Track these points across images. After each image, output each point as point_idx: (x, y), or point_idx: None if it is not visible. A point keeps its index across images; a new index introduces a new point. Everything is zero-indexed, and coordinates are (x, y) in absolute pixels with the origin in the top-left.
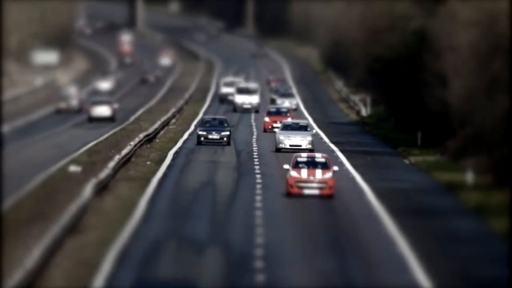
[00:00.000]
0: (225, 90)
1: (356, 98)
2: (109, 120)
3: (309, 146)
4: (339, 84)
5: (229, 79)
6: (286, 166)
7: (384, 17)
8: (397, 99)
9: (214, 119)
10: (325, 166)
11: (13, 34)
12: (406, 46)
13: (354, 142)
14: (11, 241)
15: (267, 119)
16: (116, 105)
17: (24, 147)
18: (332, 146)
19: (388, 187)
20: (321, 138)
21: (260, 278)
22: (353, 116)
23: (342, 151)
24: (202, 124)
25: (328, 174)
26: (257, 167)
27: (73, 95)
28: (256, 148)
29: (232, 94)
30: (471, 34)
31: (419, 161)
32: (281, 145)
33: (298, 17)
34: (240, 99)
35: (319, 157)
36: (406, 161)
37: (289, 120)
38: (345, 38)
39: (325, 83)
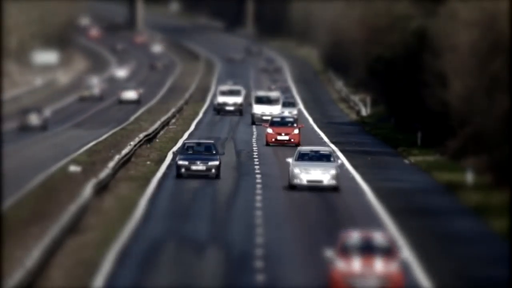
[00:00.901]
0: (222, 99)
1: (356, 98)
2: (136, 103)
3: (333, 182)
4: (339, 84)
5: (226, 87)
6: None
7: (384, 17)
8: (397, 99)
9: (199, 144)
10: (387, 252)
11: (13, 34)
12: (406, 46)
13: (354, 142)
14: (11, 241)
15: (270, 130)
16: (141, 90)
17: (24, 147)
18: (332, 146)
19: (388, 187)
20: (321, 138)
21: (260, 278)
22: (353, 116)
23: (342, 151)
24: (183, 150)
25: (393, 265)
26: (257, 167)
27: (95, 84)
28: (256, 148)
29: (228, 104)
30: (471, 34)
31: (419, 161)
32: (297, 181)
33: (298, 17)
34: (259, 109)
35: (378, 239)
36: (406, 161)
37: (307, 148)
38: (345, 38)
39: (325, 83)
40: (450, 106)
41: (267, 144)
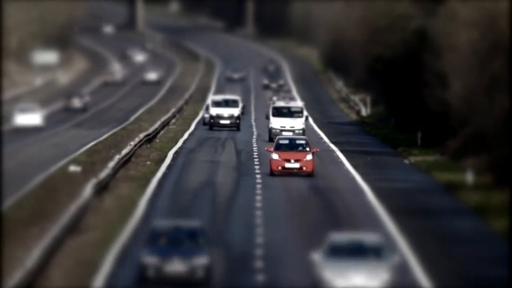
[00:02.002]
0: (215, 111)
1: (356, 98)
2: (157, 83)
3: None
4: (339, 84)
5: (220, 96)
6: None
7: (384, 17)
8: (397, 99)
9: (177, 229)
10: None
11: (13, 34)
12: (406, 46)
13: (354, 142)
14: (11, 241)
15: (275, 156)
16: (161, 72)
17: (24, 147)
18: (332, 146)
19: (388, 187)
20: (321, 138)
21: (260, 278)
22: (353, 116)
23: (342, 151)
24: (151, 237)
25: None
26: (257, 167)
27: (118, 70)
28: (256, 148)
29: (223, 117)
30: (471, 34)
31: (419, 161)
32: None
33: (298, 17)
34: (277, 123)
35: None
36: (406, 161)
37: (282, 104)
38: (345, 38)
39: (325, 83)
40: (450, 106)
41: (271, 173)
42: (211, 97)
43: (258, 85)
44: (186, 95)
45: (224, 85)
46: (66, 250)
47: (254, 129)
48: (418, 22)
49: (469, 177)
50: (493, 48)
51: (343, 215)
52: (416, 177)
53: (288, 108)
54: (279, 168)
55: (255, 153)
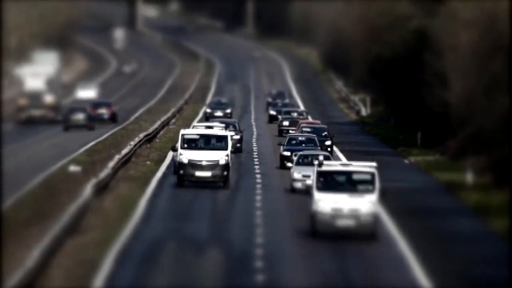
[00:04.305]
0: (187, 155)
1: (356, 98)
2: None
3: None
4: (339, 84)
5: (196, 131)
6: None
7: (384, 17)
8: (397, 99)
9: None
10: None
11: (13, 34)
12: (406, 45)
13: (354, 142)
14: (11, 241)
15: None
16: None
17: (24, 147)
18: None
19: (388, 187)
20: None
21: (260, 278)
22: (353, 116)
23: (342, 151)
24: None
25: None
26: (257, 167)
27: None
28: (256, 148)
29: (200, 166)
30: (471, 34)
31: (419, 161)
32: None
33: (298, 17)
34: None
35: None
36: (406, 161)
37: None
38: (345, 38)
39: (325, 83)
40: (450, 106)
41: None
42: (182, 132)
43: (258, 85)
44: (186, 95)
45: (224, 85)
46: (66, 250)
47: (254, 129)
48: (418, 22)
49: (469, 177)
50: (493, 48)
51: None
52: (416, 177)
53: (312, 156)
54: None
55: (255, 153)
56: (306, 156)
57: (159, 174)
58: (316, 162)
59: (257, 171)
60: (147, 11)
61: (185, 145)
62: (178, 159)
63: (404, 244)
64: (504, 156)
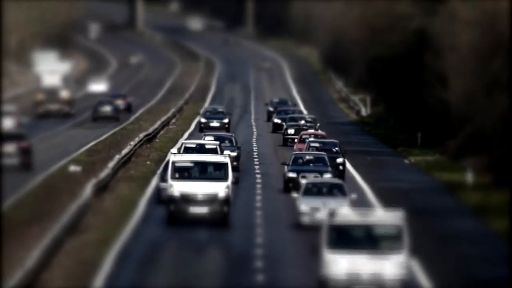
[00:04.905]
0: (178, 187)
1: (356, 98)
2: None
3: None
4: (339, 84)
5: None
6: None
7: (384, 17)
8: (397, 99)
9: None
10: None
11: (13, 34)
12: (406, 46)
13: (354, 142)
14: (11, 241)
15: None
16: None
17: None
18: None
19: (388, 187)
20: None
21: (260, 278)
22: (353, 116)
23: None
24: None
25: None
26: (257, 167)
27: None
28: (256, 148)
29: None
30: (471, 34)
31: (419, 161)
32: None
33: (298, 17)
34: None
35: None
36: (406, 161)
37: None
38: (345, 38)
39: (325, 83)
40: (450, 106)
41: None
42: (173, 158)
43: (258, 85)
44: (186, 95)
45: (223, 85)
46: (66, 250)
47: (254, 129)
48: (418, 22)
49: (469, 177)
50: (493, 48)
51: None
52: (416, 177)
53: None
54: None
55: (255, 153)
56: (315, 185)
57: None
58: (325, 209)
59: (257, 171)
60: (192, 23)
61: (177, 175)
62: (168, 192)
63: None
64: (504, 156)
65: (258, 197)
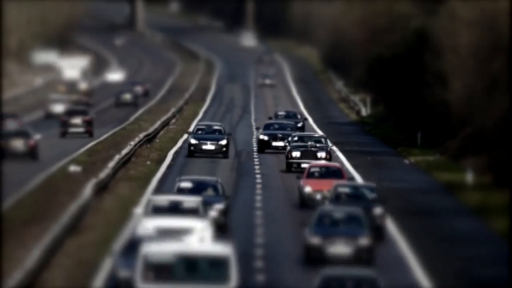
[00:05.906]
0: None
1: (356, 98)
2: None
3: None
4: (339, 84)
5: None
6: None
7: (384, 17)
8: (397, 99)
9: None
10: None
11: (13, 34)
12: (406, 46)
13: (354, 142)
14: (11, 241)
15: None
16: None
17: None
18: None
19: (388, 187)
20: None
21: (260, 278)
22: (353, 116)
23: (342, 151)
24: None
25: None
26: (257, 167)
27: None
28: (256, 148)
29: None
30: (471, 34)
31: (419, 161)
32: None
33: (298, 17)
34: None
35: None
36: (406, 161)
37: None
38: (345, 38)
39: (325, 83)
40: (450, 106)
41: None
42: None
43: (257, 85)
44: (186, 95)
45: (223, 85)
46: (66, 250)
47: (254, 129)
48: (418, 22)
49: (469, 177)
50: (493, 48)
51: None
52: (416, 177)
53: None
54: None
55: (255, 153)
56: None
57: (159, 174)
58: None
59: (257, 171)
60: (245, 41)
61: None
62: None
63: (404, 244)
64: (504, 156)
65: (258, 197)
